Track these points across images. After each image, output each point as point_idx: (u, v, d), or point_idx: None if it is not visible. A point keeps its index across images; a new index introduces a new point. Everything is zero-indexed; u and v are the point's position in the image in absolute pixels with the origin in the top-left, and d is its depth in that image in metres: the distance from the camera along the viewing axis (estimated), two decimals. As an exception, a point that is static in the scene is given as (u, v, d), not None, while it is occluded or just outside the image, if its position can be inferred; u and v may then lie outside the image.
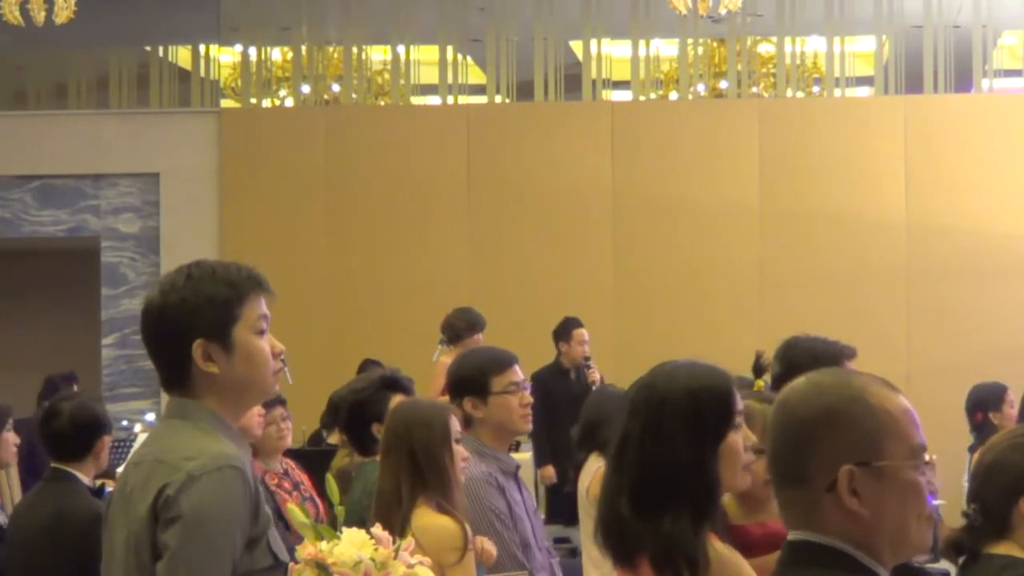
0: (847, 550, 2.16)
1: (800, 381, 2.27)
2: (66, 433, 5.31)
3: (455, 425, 4.36)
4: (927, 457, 2.21)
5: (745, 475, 3.12)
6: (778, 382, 4.67)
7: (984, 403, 8.82)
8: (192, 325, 2.91)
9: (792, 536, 2.22)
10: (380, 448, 4.43)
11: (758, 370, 4.71)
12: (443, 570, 4.08)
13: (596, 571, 5.65)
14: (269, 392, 3.04)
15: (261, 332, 2.96)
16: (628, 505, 2.93)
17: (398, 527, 3.95)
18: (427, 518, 4.15)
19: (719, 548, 3.03)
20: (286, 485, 6.35)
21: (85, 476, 5.33)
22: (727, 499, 3.72)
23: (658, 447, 2.95)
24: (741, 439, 3.08)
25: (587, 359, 10.34)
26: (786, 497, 2.22)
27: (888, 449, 2.17)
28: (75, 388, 10.90)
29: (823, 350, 4.75)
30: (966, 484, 8.83)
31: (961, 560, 3.39)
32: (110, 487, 6.23)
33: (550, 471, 10.22)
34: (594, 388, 9.88)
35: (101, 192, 13.72)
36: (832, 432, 2.17)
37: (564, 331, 10.54)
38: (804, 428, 2.19)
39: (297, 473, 6.50)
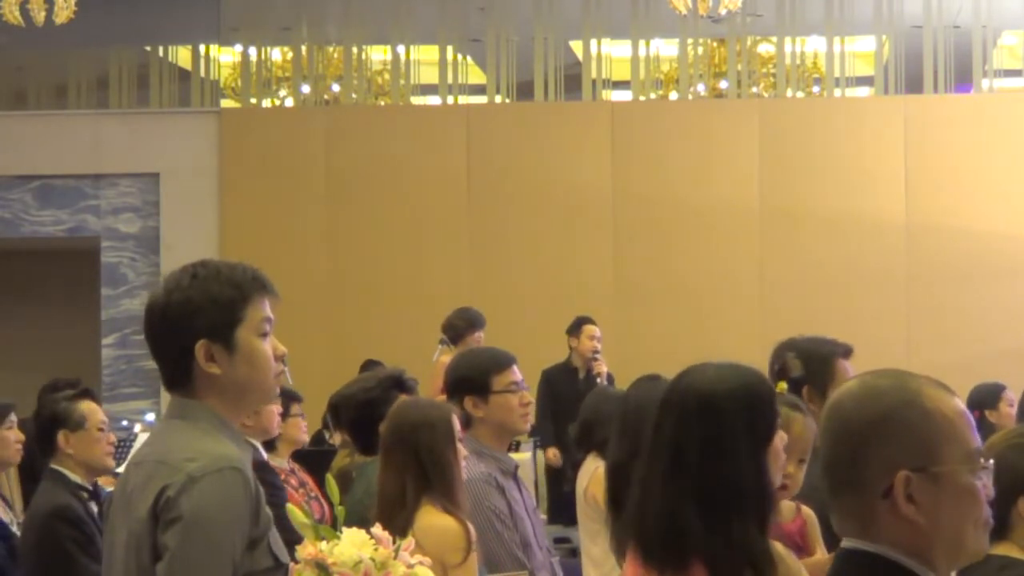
0: (900, 560, 2.12)
1: (852, 385, 2.22)
2: (34, 432, 5.49)
3: (456, 424, 4.35)
4: (983, 461, 2.17)
5: (781, 474, 3.13)
6: (795, 386, 4.64)
7: (980, 402, 8.83)
8: (195, 325, 2.91)
9: (845, 544, 2.18)
10: (380, 448, 4.41)
11: (782, 373, 4.70)
12: (447, 570, 4.08)
13: (596, 571, 5.65)
14: (270, 394, 3.04)
15: (264, 334, 2.95)
16: (696, 514, 2.90)
17: (401, 528, 3.95)
18: (431, 518, 4.14)
19: (778, 549, 3.04)
20: (292, 482, 6.43)
21: (70, 472, 5.38)
22: None
23: (722, 455, 2.92)
24: (780, 439, 3.08)
25: (596, 353, 10.37)
26: (840, 504, 2.18)
27: (945, 454, 2.12)
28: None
29: (814, 350, 4.74)
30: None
31: None
32: (109, 487, 6.27)
33: (553, 452, 10.31)
34: (599, 381, 9.93)
35: (101, 192, 13.72)
36: (888, 437, 2.12)
37: (575, 327, 10.60)
38: (859, 434, 2.14)
39: (302, 473, 6.58)
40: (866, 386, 2.20)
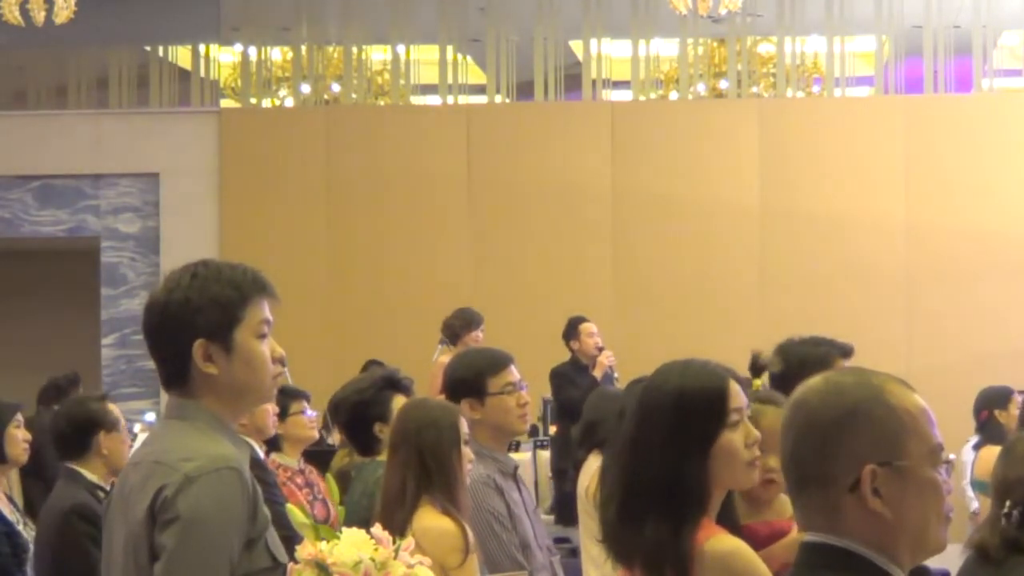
0: (864, 553, 2.15)
1: (817, 381, 2.25)
2: (66, 433, 5.47)
3: (463, 427, 4.36)
4: (944, 456, 2.21)
5: (750, 472, 3.11)
6: (776, 382, 4.66)
7: (991, 402, 8.86)
8: (194, 325, 2.90)
9: (809, 537, 2.21)
10: (387, 447, 4.43)
11: (756, 370, 4.72)
12: (447, 572, 4.08)
13: (596, 571, 5.65)
14: (267, 396, 3.04)
15: (262, 336, 2.95)
16: (616, 509, 2.94)
17: (400, 526, 3.96)
18: (428, 520, 4.15)
19: (728, 541, 3.03)
20: (298, 481, 6.42)
21: (92, 473, 5.43)
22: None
23: (646, 451, 2.96)
24: (740, 437, 3.07)
25: (600, 349, 10.34)
26: (805, 498, 2.20)
27: (909, 448, 2.16)
28: (80, 389, 10.90)
29: (811, 353, 4.74)
30: (967, 484, 8.87)
31: (972, 553, 3.37)
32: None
33: None
34: (616, 377, 9.90)
35: (101, 192, 13.72)
36: (855, 432, 2.15)
37: (571, 329, 10.54)
38: (826, 428, 2.17)
39: (313, 476, 6.55)
40: (830, 383, 2.23)
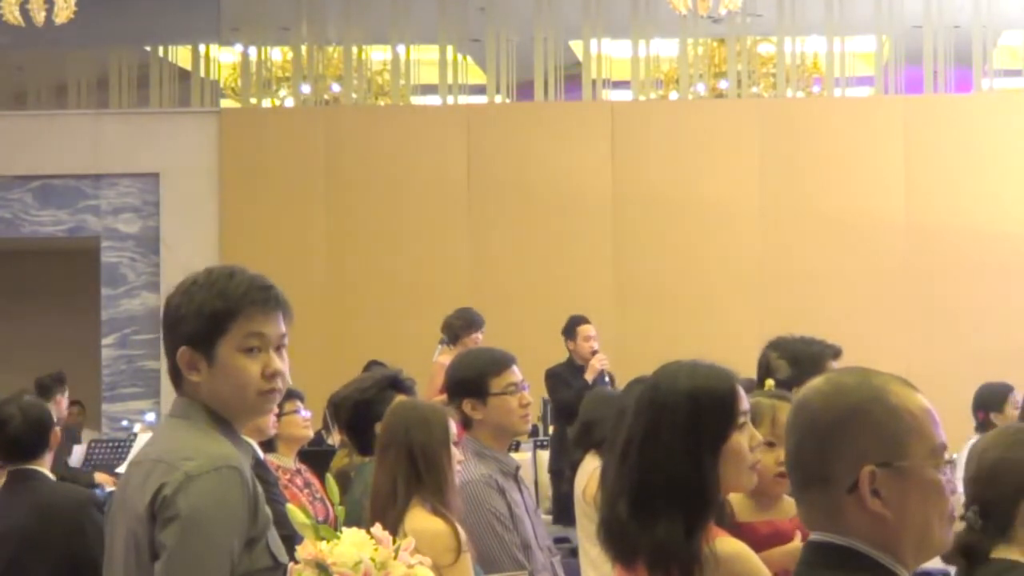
0: (867, 551, 2.15)
1: (819, 381, 2.26)
2: (23, 435, 5.40)
3: (452, 427, 4.36)
4: (947, 456, 2.20)
5: (751, 475, 3.12)
6: (785, 383, 4.65)
7: (987, 403, 8.76)
8: (179, 332, 2.91)
9: (814, 537, 2.22)
10: (376, 447, 4.42)
11: (768, 372, 4.71)
12: (440, 571, 4.08)
13: (595, 572, 5.65)
14: (251, 411, 2.98)
15: (249, 350, 2.91)
16: (626, 508, 2.94)
17: (392, 525, 3.96)
18: (419, 521, 4.14)
19: (730, 544, 3.03)
20: (297, 482, 6.40)
21: (47, 471, 5.41)
22: (738, 496, 3.72)
23: (657, 450, 2.96)
24: (746, 439, 3.08)
25: (595, 353, 10.33)
26: (808, 498, 2.21)
27: (911, 449, 2.16)
28: (66, 389, 10.87)
29: (804, 351, 4.74)
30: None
31: (957, 565, 3.35)
32: (110, 487, 6.23)
33: None
34: (606, 379, 9.89)
35: (101, 192, 13.72)
36: (856, 432, 2.16)
37: (570, 329, 10.51)
38: (827, 429, 2.18)
39: (308, 474, 6.54)
40: (832, 383, 2.24)
